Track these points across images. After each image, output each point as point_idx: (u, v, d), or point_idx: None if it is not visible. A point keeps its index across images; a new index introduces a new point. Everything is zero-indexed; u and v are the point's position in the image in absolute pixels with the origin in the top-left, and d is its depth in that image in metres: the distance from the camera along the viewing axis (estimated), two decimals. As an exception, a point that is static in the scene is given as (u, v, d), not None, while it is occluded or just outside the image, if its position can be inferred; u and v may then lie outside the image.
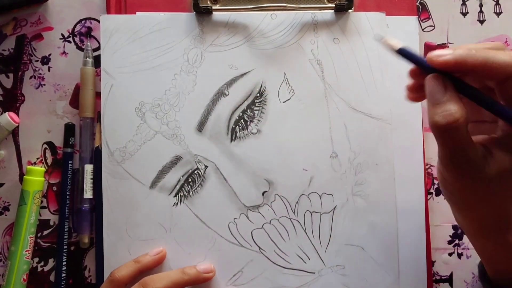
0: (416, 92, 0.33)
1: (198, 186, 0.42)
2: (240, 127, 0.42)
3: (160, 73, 0.42)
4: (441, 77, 0.29)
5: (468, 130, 0.28)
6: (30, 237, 0.42)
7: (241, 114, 0.42)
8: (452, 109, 0.28)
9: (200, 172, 0.42)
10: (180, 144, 0.42)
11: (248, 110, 0.42)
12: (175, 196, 0.42)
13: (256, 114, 0.42)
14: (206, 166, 0.42)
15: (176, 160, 0.42)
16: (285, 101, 0.43)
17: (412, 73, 0.32)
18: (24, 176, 0.42)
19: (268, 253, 0.42)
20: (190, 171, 0.42)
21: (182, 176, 0.42)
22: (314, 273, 0.42)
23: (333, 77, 0.43)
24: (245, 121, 0.42)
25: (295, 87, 0.43)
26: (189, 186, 0.42)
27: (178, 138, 0.42)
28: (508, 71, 0.28)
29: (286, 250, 0.42)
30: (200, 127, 0.42)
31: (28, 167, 0.42)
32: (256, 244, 0.42)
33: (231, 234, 0.42)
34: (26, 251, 0.41)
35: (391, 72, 0.43)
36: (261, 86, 0.43)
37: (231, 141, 0.42)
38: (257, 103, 0.43)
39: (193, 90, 0.42)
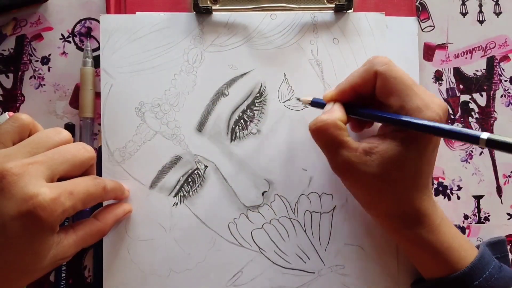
0: (358, 128, 0.40)
1: (198, 186, 0.42)
2: (240, 127, 0.42)
3: (160, 73, 0.42)
4: (329, 103, 0.37)
5: (342, 135, 0.34)
6: (30, 237, 0.42)
7: (241, 114, 0.42)
8: (323, 117, 0.35)
9: (200, 172, 0.42)
10: (180, 144, 0.42)
11: (248, 110, 0.43)
12: (175, 196, 0.42)
13: (256, 114, 0.43)
14: (206, 166, 0.42)
15: (176, 160, 0.42)
16: (285, 101, 0.43)
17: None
18: (24, 176, 0.42)
19: (268, 253, 0.42)
20: (190, 171, 0.42)
21: (182, 176, 0.42)
22: (313, 273, 0.42)
23: (333, 78, 0.43)
24: (245, 121, 0.42)
25: (295, 87, 0.43)
26: (189, 186, 0.42)
27: (178, 138, 0.42)
28: (366, 86, 0.35)
29: (286, 250, 0.42)
30: (200, 127, 0.42)
31: (28, 167, 0.42)
32: (256, 244, 0.42)
33: (231, 234, 0.42)
34: (26, 251, 0.41)
35: (391, 72, 0.43)
36: (261, 86, 0.43)
37: (231, 141, 0.42)
38: (257, 103, 0.43)
39: (193, 90, 0.43)
